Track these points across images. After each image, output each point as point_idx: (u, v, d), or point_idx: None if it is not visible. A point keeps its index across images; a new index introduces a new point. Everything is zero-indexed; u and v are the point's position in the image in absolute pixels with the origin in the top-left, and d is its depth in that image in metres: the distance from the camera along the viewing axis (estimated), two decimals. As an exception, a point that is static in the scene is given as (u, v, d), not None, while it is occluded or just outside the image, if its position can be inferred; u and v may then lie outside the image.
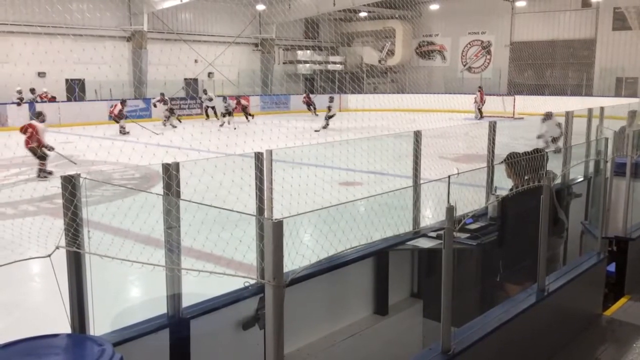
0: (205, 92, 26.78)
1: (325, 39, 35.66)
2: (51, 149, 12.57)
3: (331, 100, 23.17)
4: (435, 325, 3.26)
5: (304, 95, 29.45)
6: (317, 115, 27.17)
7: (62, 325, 2.54)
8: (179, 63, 27.96)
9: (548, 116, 13.53)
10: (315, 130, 20.10)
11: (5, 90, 21.74)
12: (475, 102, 27.05)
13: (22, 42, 22.91)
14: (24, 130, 12.65)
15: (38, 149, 12.31)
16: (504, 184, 4.92)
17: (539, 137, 13.56)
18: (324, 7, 29.08)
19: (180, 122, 23.66)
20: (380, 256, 4.23)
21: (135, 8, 26.59)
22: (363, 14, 34.04)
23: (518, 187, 4.20)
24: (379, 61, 35.63)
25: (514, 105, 26.40)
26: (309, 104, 28.40)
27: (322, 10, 30.10)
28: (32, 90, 23.51)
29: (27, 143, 12.45)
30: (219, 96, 26.20)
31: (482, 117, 25.68)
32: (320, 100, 31.85)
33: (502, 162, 4.41)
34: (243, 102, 25.84)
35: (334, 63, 35.26)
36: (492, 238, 4.43)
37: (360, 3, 29.36)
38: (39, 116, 13.07)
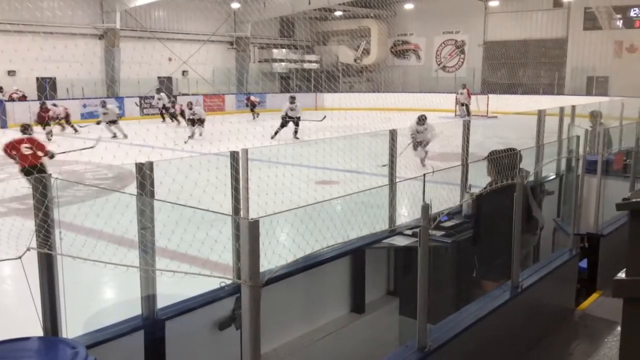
0: (158, 91, 25.81)
1: (301, 37, 35.61)
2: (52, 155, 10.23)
3: (292, 101, 19.52)
4: (411, 322, 3.28)
5: (246, 97, 28.09)
6: (257, 116, 26.19)
7: (34, 328, 2.49)
8: (153, 61, 27.57)
9: (422, 120, 13.38)
10: (272, 138, 17.83)
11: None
12: (457, 101, 27.27)
13: (-10, 39, 22.47)
14: (14, 149, 9.09)
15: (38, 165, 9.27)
16: (478, 182, 4.97)
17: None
18: (299, 6, 29.04)
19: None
20: (356, 255, 4.24)
21: (108, 6, 26.20)
22: (338, 13, 34.10)
23: (492, 185, 4.25)
24: (355, 60, 35.73)
25: (488, 104, 26.72)
26: (253, 105, 26.69)
27: (297, 9, 30.06)
28: (0, 89, 22.97)
29: (26, 160, 8.92)
30: (173, 96, 25.41)
31: (469, 115, 25.86)
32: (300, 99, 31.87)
33: (484, 158, 4.46)
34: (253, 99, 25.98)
35: (310, 62, 35.25)
36: (467, 235, 4.48)
37: (336, 2, 29.39)
38: (26, 130, 10.14)
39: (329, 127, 19.88)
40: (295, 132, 18.67)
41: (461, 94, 27.39)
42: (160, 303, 2.98)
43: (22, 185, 8.02)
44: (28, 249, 2.51)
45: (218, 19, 30.76)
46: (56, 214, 2.59)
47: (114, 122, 20.16)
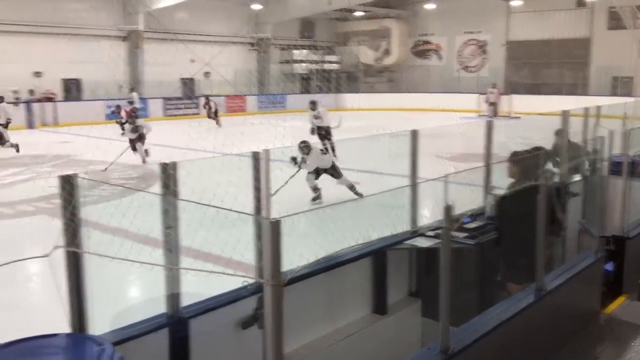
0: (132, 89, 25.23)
1: (322, 38, 35.64)
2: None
3: (313, 107, 14.74)
4: (434, 324, 3.26)
5: (205, 101, 24.32)
6: (215, 120, 22.89)
7: (62, 325, 2.53)
8: (176, 63, 27.89)
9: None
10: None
11: (3, 89, 21.66)
12: (487, 100, 27.01)
13: (18, 41, 22.88)
14: None
15: None
16: (501, 183, 4.93)
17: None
18: (320, 7, 29.06)
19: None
20: (378, 255, 4.24)
21: (131, 8, 26.51)
22: (359, 14, 34.04)
23: (515, 186, 4.21)
24: (375, 60, 35.65)
25: (510, 105, 26.43)
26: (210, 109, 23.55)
27: (318, 10, 30.08)
28: (32, 92, 23.26)
29: None
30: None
31: (497, 115, 25.59)
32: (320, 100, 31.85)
33: (507, 159, 4.42)
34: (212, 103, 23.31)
35: (330, 62, 35.26)
36: (491, 237, 4.44)
37: (356, 3, 29.35)
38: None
39: (349, 128, 19.87)
40: (333, 149, 12.91)
41: (491, 93, 27.16)
42: (184, 301, 3.01)
43: (50, 185, 8.16)
44: (56, 247, 2.56)
45: (240, 21, 30.95)
46: (83, 213, 2.64)
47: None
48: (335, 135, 13.99)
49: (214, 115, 22.59)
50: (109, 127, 21.01)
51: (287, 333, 2.16)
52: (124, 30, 26.74)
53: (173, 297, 2.96)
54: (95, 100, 23.80)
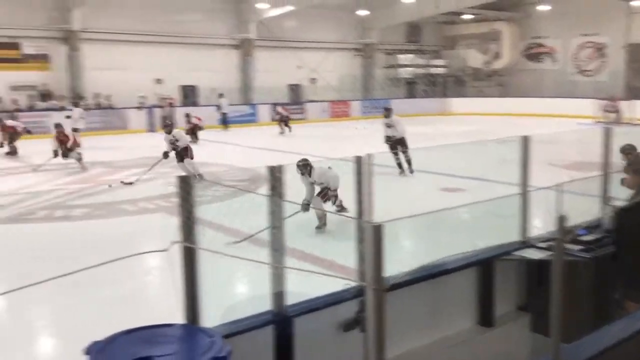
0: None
1: (428, 42, 35.14)
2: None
3: (387, 114, 12.71)
4: (543, 340, 3.11)
5: (279, 109, 23.63)
6: (285, 129, 22.19)
7: (176, 316, 2.70)
8: (283, 69, 28.77)
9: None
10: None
11: (126, 95, 23.50)
12: (606, 109, 25.38)
13: (141, 50, 24.69)
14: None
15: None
16: (621, 194, 4.61)
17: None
18: (427, 11, 28.67)
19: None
20: (484, 266, 4.11)
21: (244, 17, 27.66)
22: (467, 17, 33.16)
23: (636, 197, 3.92)
24: (484, 64, 34.55)
25: (632, 111, 24.52)
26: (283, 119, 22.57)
27: (425, 14, 29.67)
28: (162, 99, 24.40)
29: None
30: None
31: (618, 122, 23.96)
32: (418, 105, 31.45)
33: (626, 166, 4.13)
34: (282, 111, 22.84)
35: (437, 66, 34.66)
36: (607, 251, 4.16)
37: (465, 5, 28.61)
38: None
39: (455, 133, 19.40)
40: (409, 162, 11.78)
41: (611, 105, 25.44)
42: (288, 300, 3.10)
43: (169, 184, 8.69)
44: (174, 243, 2.73)
45: (346, 27, 31.28)
46: (198, 212, 2.80)
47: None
48: (441, 140, 13.67)
49: (283, 123, 22.31)
50: (221, 132, 22.08)
51: (389, 339, 2.16)
52: (237, 39, 27.95)
53: (278, 296, 3.05)
54: (210, 105, 25.05)
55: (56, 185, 11.06)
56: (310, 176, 7.68)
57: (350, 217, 2.93)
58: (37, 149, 15.56)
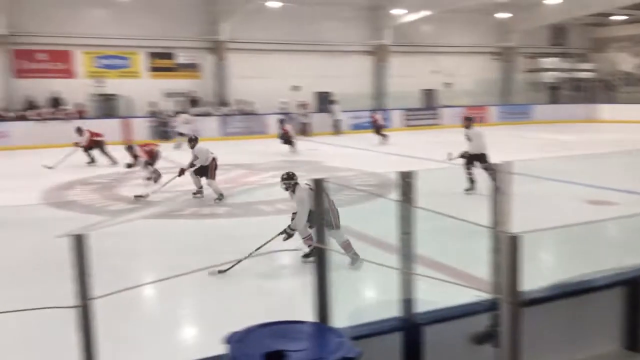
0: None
1: (574, 45, 32.88)
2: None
3: (468, 124, 10.79)
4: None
5: (375, 115, 21.84)
6: (382, 137, 20.73)
7: (308, 313, 2.80)
8: (417, 74, 28.52)
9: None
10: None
11: (266, 102, 24.72)
12: None
13: (280, 59, 25.84)
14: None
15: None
16: None
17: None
18: (574, 12, 26.84)
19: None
20: (632, 285, 3.76)
21: (379, 24, 27.84)
22: (619, 18, 30.51)
23: None
24: (637, 68, 31.60)
25: None
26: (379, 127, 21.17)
27: (571, 15, 27.81)
28: (304, 105, 25.31)
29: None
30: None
31: None
32: (563, 110, 29.48)
33: None
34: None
35: (583, 70, 32.30)
36: None
37: (616, 5, 26.30)
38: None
39: (605, 141, 17.93)
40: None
41: None
42: (417, 308, 3.07)
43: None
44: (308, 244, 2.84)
45: (484, 31, 30.28)
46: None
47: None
48: (587, 149, 12.69)
49: (378, 130, 21.11)
50: (354, 137, 22.38)
51: (523, 356, 2.07)
52: (371, 45, 28.20)
53: (407, 302, 3.04)
54: (347, 111, 25.55)
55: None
56: (294, 193, 6.24)
57: (485, 227, 2.84)
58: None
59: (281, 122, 20.20)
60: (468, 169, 10.12)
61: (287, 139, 17.93)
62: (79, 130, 15.70)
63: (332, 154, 17.53)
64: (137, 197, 10.34)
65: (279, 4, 24.17)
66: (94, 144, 15.66)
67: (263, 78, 25.21)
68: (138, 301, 5.41)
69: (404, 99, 27.66)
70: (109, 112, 23.20)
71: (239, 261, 5.53)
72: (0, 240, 7.48)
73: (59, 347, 4.12)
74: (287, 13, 25.28)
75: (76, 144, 15.46)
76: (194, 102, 24.71)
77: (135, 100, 23.20)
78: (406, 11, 26.07)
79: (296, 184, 6.28)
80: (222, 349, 2.42)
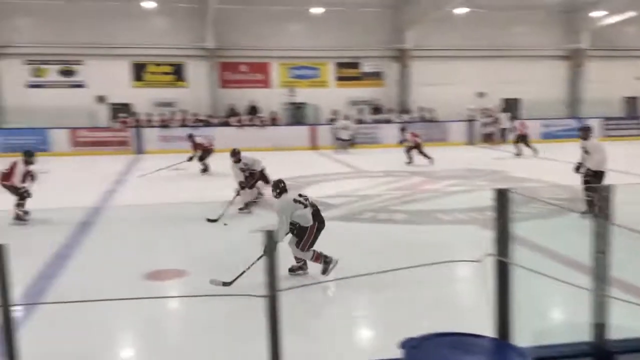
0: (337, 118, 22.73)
1: None
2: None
3: (583, 135, 9.12)
4: None
5: (408, 134, 17.54)
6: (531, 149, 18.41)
7: (486, 328, 2.70)
8: (618, 80, 25.91)
9: None
10: None
11: (447, 108, 24.32)
12: None
13: (465, 65, 25.28)
14: None
15: None
16: None
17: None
18: None
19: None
20: None
21: (576, 27, 25.87)
22: None
23: None
24: None
25: None
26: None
27: None
28: (490, 113, 24.56)
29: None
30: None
31: None
32: None
33: None
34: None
35: None
36: None
37: None
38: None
39: None
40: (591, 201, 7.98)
41: None
42: (611, 335, 2.81)
43: (482, 197, 8.73)
44: (488, 255, 2.75)
45: None
46: (514, 228, 2.76)
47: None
48: None
49: (413, 151, 17.17)
50: (545, 146, 21.00)
51: None
52: (565, 50, 26.29)
53: (599, 327, 2.79)
54: (531, 119, 24.10)
55: (382, 191, 12.09)
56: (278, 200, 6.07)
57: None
58: (369, 157, 17.28)
59: (402, 130, 18.46)
60: (587, 189, 8.45)
61: (409, 148, 16.86)
62: (402, 130, 17.73)
63: (520, 164, 16.68)
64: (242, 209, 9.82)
65: (465, 10, 23.68)
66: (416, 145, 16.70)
67: (445, 85, 24.91)
68: (316, 297, 5.67)
69: (602, 107, 25.27)
70: (299, 120, 24.72)
71: (243, 272, 5.52)
72: (213, 232, 8.40)
73: (248, 332, 4.50)
74: (473, 19, 24.66)
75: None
76: (377, 109, 25.20)
77: (323, 108, 24.40)
78: (607, 13, 23.83)
79: (281, 192, 6.13)
80: (397, 353, 2.44)
